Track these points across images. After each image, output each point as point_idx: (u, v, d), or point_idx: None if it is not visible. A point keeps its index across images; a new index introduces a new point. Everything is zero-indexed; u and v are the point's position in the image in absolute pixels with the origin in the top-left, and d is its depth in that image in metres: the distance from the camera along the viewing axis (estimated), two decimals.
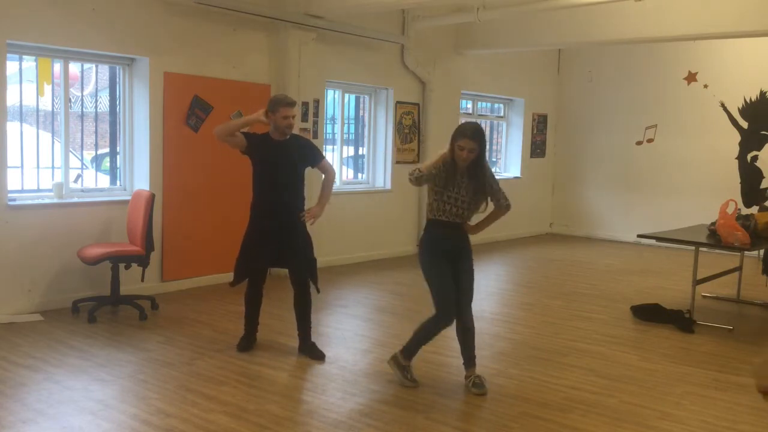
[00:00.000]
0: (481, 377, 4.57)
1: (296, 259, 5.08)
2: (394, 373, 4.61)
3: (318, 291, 5.23)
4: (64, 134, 6.44)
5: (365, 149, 9.49)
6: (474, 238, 4.60)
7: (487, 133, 11.70)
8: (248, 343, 5.23)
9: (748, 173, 10.43)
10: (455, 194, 4.36)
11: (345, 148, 9.31)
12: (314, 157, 5.21)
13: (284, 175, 5.03)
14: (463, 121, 10.67)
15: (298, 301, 5.14)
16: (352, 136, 9.50)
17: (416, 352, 4.61)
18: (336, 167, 8.97)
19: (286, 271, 5.20)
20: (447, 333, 5.49)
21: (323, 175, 5.27)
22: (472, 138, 4.27)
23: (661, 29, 8.36)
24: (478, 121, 11.42)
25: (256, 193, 5.09)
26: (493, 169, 12.17)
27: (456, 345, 4.67)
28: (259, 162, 5.05)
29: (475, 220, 4.56)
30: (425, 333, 4.54)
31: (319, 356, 5.07)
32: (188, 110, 7.01)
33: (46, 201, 6.29)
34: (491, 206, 4.55)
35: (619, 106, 11.57)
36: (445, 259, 4.45)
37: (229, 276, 5.27)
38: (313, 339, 5.22)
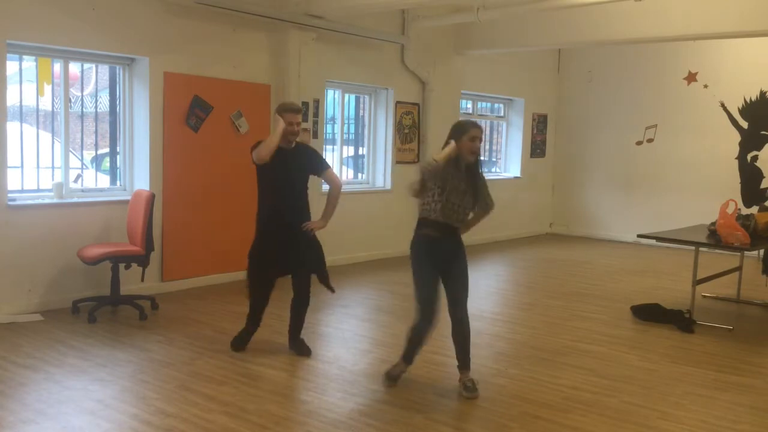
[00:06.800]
0: (474, 380, 4.50)
1: (301, 268, 5.09)
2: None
3: (333, 291, 5.24)
4: (64, 134, 6.44)
5: (365, 149, 9.49)
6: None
7: (487, 133, 11.71)
8: (243, 341, 5.18)
9: (748, 173, 10.43)
10: (455, 198, 4.33)
11: (345, 148, 9.31)
12: (319, 165, 5.15)
13: (291, 183, 5.00)
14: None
15: (296, 304, 5.16)
16: (352, 136, 9.49)
17: (414, 356, 4.58)
18: (336, 167, 8.97)
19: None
20: (447, 334, 5.49)
21: (328, 186, 5.20)
22: (478, 127, 4.38)
23: (661, 29, 8.36)
24: (478, 121, 11.43)
25: (263, 202, 5.04)
26: (492, 169, 12.20)
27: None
28: (267, 171, 4.95)
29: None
30: (417, 339, 4.49)
31: (306, 352, 5.09)
32: (188, 110, 7.01)
33: (46, 201, 6.29)
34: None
35: (619, 106, 11.56)
36: (436, 261, 4.39)
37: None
38: (314, 339, 5.23)
